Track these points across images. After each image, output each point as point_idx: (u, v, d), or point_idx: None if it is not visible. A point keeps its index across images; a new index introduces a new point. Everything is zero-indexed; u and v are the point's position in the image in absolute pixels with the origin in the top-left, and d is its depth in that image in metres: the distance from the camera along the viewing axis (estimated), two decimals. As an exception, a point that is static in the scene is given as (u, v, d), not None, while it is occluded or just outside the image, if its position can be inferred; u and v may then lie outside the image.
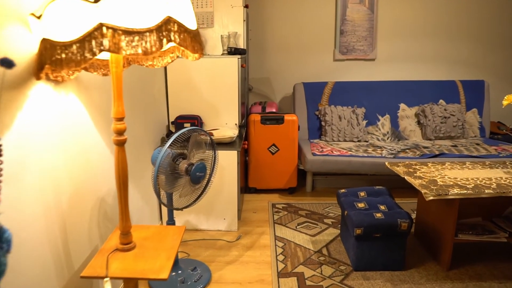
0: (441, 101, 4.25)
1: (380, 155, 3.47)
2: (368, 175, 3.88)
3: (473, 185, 2.32)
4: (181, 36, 1.26)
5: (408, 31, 4.39)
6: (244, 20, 3.42)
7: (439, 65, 4.51)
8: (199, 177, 1.97)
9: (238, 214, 2.93)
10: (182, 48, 1.38)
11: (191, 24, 1.35)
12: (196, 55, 1.48)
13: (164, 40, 1.21)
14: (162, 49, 1.29)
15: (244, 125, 3.56)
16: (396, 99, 4.24)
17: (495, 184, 2.33)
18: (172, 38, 1.23)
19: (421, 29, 4.40)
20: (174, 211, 2.80)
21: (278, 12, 4.31)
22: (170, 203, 2.08)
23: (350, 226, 2.32)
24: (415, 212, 3.25)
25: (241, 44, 3.44)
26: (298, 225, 2.99)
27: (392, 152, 3.56)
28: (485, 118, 4.28)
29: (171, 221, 2.17)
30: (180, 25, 1.26)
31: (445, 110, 4.11)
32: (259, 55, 4.39)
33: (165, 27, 1.21)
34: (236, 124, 3.09)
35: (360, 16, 4.32)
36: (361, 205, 2.46)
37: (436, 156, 3.48)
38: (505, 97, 2.61)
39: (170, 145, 1.92)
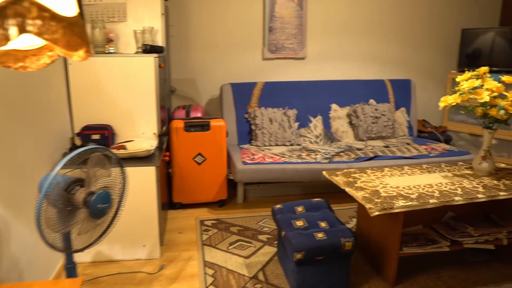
0: (371, 100, 4.15)
1: (314, 161, 3.24)
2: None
3: (416, 194, 2.13)
4: (45, 25, 0.84)
5: (338, 29, 4.23)
6: (162, 14, 2.98)
7: (369, 64, 4.41)
8: (101, 209, 1.53)
9: (160, 238, 2.51)
10: (50, 43, 0.95)
11: (66, 8, 0.93)
12: (80, 53, 1.06)
13: (13, 30, 0.78)
14: (12, 42, 0.86)
15: (165, 133, 3.13)
16: (327, 99, 4.05)
17: (437, 192, 2.17)
18: (28, 27, 0.81)
19: (351, 27, 4.26)
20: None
21: (202, 7, 3.91)
22: (67, 243, 1.61)
23: (289, 249, 2.01)
24: (355, 219, 3.05)
25: (159, 41, 3.00)
26: (230, 245, 2.64)
27: (326, 156, 3.35)
28: (412, 117, 4.25)
29: (70, 264, 1.70)
30: (42, 8, 0.83)
31: (376, 110, 4.00)
32: (182, 53, 3.96)
33: (13, 9, 0.78)
34: (154, 133, 2.65)
35: (289, 13, 4.07)
36: (299, 223, 2.16)
37: (371, 158, 3.32)
38: (441, 99, 2.47)
39: (63, 168, 1.47)
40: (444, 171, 2.56)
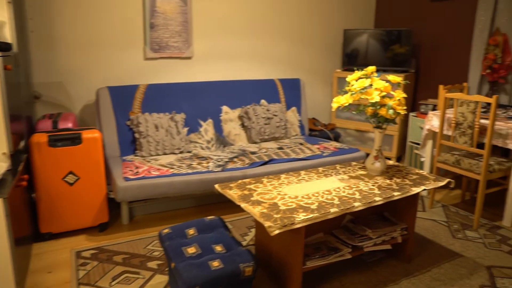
0: (262, 101, 3.99)
1: (206, 169, 2.94)
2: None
3: (316, 204, 1.97)
4: None
5: (226, 27, 3.99)
6: (8, 2, 2.40)
7: (258, 63, 4.25)
8: None
9: (19, 285, 1.98)
10: None
11: None
12: None
13: None
14: None
15: (25, 151, 2.55)
16: (217, 101, 3.79)
17: (337, 199, 2.03)
18: None
19: (239, 26, 4.05)
20: None
21: (65, -2, 3.33)
22: None
23: (180, 284, 1.69)
24: (254, 229, 2.84)
25: (8, 37, 2.41)
26: (114, 279, 2.21)
27: (219, 163, 3.08)
28: (303, 116, 4.21)
29: None
30: None
31: (267, 110, 3.85)
32: (48, 52, 3.33)
33: None
34: (4, 153, 2.09)
35: (172, 8, 3.70)
36: (191, 250, 1.85)
37: (266, 163, 3.14)
38: (334, 100, 2.37)
39: None
40: (340, 173, 2.47)
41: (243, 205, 1.95)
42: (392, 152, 4.24)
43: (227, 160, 3.18)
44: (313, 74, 4.60)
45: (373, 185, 2.26)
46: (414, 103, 4.56)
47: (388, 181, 2.34)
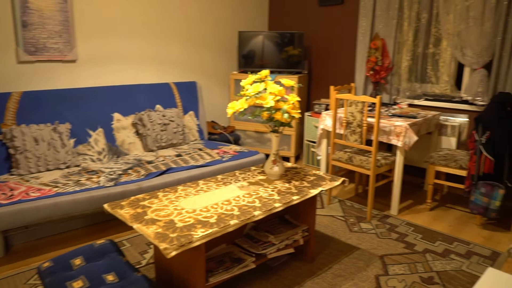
0: (158, 106, 3.78)
1: (97, 185, 2.67)
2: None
3: (216, 217, 1.87)
4: None
5: (114, 27, 3.68)
6: None
7: (152, 66, 4.02)
8: None
9: None
10: None
11: None
12: None
13: None
14: None
15: None
16: (108, 108, 3.48)
17: (237, 209, 1.96)
18: None
19: (129, 26, 3.76)
20: None
21: None
22: None
23: (64, 327, 1.46)
24: (153, 246, 2.64)
25: None
26: (-17, 327, 1.87)
27: (111, 177, 2.82)
28: (201, 120, 4.09)
29: None
30: None
31: (163, 116, 3.65)
32: None
33: None
34: None
35: (49, 5, 3.29)
36: (77, 284, 1.61)
37: (163, 172, 2.96)
38: (229, 105, 2.29)
39: None
40: (239, 180, 2.40)
41: (135, 226, 1.77)
42: (291, 151, 4.35)
43: (120, 172, 2.93)
44: (210, 77, 4.51)
45: (272, 191, 2.23)
46: (308, 103, 4.73)
47: (287, 184, 2.34)
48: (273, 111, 2.28)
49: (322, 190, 2.31)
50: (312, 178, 2.48)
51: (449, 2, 3.37)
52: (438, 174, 3.42)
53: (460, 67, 3.56)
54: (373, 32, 3.84)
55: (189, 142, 3.86)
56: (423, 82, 3.73)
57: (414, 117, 3.21)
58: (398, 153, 3.07)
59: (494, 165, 2.83)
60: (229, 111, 2.27)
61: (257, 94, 2.23)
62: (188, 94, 4.01)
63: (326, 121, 3.44)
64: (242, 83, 2.36)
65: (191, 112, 3.99)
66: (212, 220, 1.83)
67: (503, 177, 2.87)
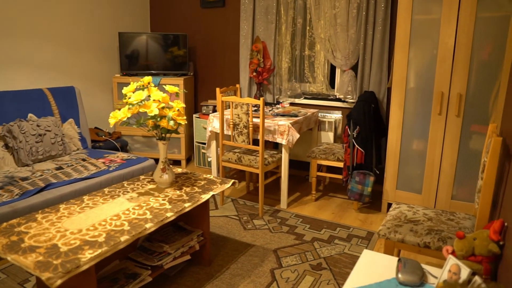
0: (30, 115, 3.41)
1: (-41, 212, 2.31)
2: None
3: (105, 235, 1.77)
4: None
5: (-37, 28, 3.20)
6: None
7: (20, 71, 3.60)
8: None
9: None
10: None
11: None
12: None
13: None
14: None
15: None
16: (-34, 121, 3.03)
17: (127, 224, 1.88)
18: None
19: (-18, 26, 3.31)
20: None
21: None
22: None
23: None
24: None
25: None
26: None
27: (-22, 200, 2.47)
28: (83, 128, 3.81)
29: None
30: None
31: (38, 126, 3.31)
32: None
33: None
34: None
35: None
36: None
37: (42, 189, 2.69)
38: (111, 115, 2.18)
39: None
40: (128, 192, 2.31)
41: (10, 257, 1.59)
42: (181, 154, 4.30)
43: (-12, 194, 2.58)
44: (90, 81, 4.21)
45: (163, 200, 2.19)
46: (196, 105, 4.73)
47: (178, 192, 2.32)
48: (159, 119, 2.23)
49: (213, 194, 2.34)
50: (203, 182, 2.49)
51: (319, 9, 3.67)
52: (320, 167, 3.72)
53: (333, 68, 3.91)
54: (254, 35, 3.99)
55: (70, 152, 3.57)
56: (302, 82, 4.01)
57: (296, 116, 3.44)
58: (283, 150, 3.26)
59: (364, 156, 3.18)
60: (111, 121, 2.16)
61: (140, 102, 2.16)
62: (65, 101, 3.69)
63: (214, 123, 3.48)
64: (124, 91, 2.26)
65: (70, 120, 3.69)
66: (101, 239, 1.73)
67: (372, 165, 3.25)
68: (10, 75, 3.51)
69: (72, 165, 3.22)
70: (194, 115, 4.31)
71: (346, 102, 3.75)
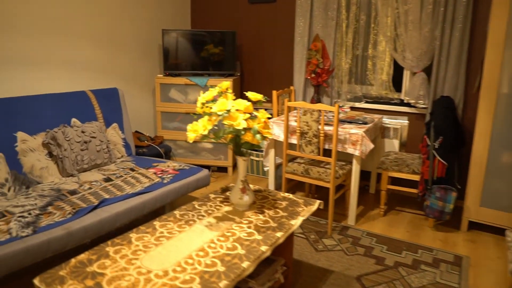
0: (74, 120, 3.07)
1: (9, 236, 1.97)
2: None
3: (198, 279, 1.41)
4: None
5: (8, 23, 2.85)
6: None
7: (61, 72, 3.25)
8: None
9: None
10: None
11: None
12: None
13: None
14: None
15: None
16: (7, 126, 2.69)
17: (219, 263, 1.52)
18: None
19: (30, 23, 2.96)
20: None
21: None
22: None
23: None
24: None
25: None
26: None
27: (27, 220, 2.13)
28: (127, 133, 3.46)
29: None
30: None
31: (82, 132, 2.97)
32: None
33: None
34: None
35: None
36: None
37: (96, 207, 2.35)
38: (189, 128, 1.82)
39: None
40: (203, 215, 1.95)
41: (94, 315, 1.24)
42: (229, 160, 3.94)
43: (37, 212, 2.24)
44: (129, 81, 3.86)
45: (248, 227, 1.83)
46: (240, 106, 4.35)
47: (261, 216, 1.96)
48: (242, 132, 1.87)
49: (302, 220, 1.97)
50: (284, 203, 2.13)
51: (387, 5, 3.26)
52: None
53: (396, 70, 3.51)
54: (312, 33, 3.60)
55: (115, 160, 3.22)
56: (363, 84, 3.61)
57: (365, 122, 3.05)
58: (354, 162, 2.88)
59: (446, 169, 2.79)
60: (191, 136, 1.80)
61: (225, 113, 1.80)
62: (109, 104, 3.34)
63: (273, 130, 3.11)
64: (201, 99, 1.90)
65: (114, 125, 3.34)
66: (196, 286, 1.38)
67: (454, 180, 2.86)
68: (50, 77, 3.17)
69: (121, 176, 2.87)
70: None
71: (415, 107, 3.35)
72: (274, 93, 3.21)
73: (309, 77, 3.55)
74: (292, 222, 1.92)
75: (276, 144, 3.19)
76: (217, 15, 4.29)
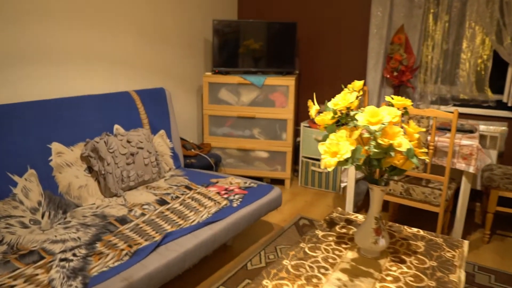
0: (117, 127, 2.49)
1: (53, 294, 1.40)
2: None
3: None
4: None
5: (38, 10, 2.27)
6: None
7: (99, 68, 2.67)
8: None
9: None
10: None
11: None
12: None
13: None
14: None
15: None
16: (40, 136, 2.12)
17: None
18: None
19: (61, 8, 2.37)
20: None
21: None
22: None
23: None
24: None
25: None
26: None
27: (72, 265, 1.56)
28: (175, 141, 2.87)
29: None
30: None
31: (128, 142, 2.39)
32: None
33: None
34: None
35: None
36: None
37: (158, 245, 1.76)
38: (323, 152, 1.23)
39: None
40: (326, 268, 1.37)
41: None
42: (287, 172, 3.34)
43: (84, 252, 1.67)
44: (174, 80, 3.27)
45: (394, 284, 1.25)
46: (298, 110, 3.75)
47: (404, 267, 1.37)
48: (391, 153, 1.27)
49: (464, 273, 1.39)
50: (420, 244, 1.54)
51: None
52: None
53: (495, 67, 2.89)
54: (392, 23, 2.99)
55: (164, 175, 2.64)
56: (452, 84, 3.00)
57: (471, 131, 2.45)
58: (465, 180, 2.28)
59: None
60: (329, 161, 1.20)
61: (382, 125, 1.20)
62: (155, 106, 2.76)
63: (357, 139, 2.52)
64: (333, 104, 1.31)
65: (161, 132, 2.76)
66: None
67: None
68: (86, 74, 2.58)
69: (178, 197, 2.28)
70: (302, 124, 3.35)
71: (522, 112, 2.75)
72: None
73: (388, 76, 2.94)
74: (452, 277, 1.33)
75: (357, 156, 2.61)
76: (269, 3, 3.68)
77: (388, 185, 1.38)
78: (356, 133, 1.26)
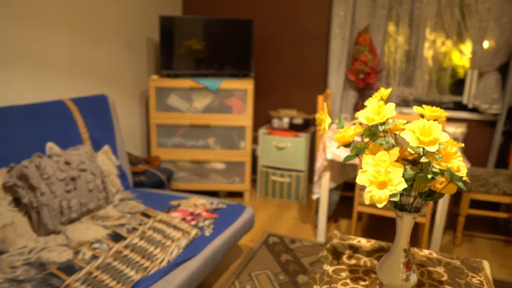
0: (50, 145, 1.98)
1: None
2: None
3: None
4: None
5: None
6: None
7: (22, 72, 2.12)
8: None
9: None
10: None
11: None
12: None
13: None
14: None
15: None
16: None
17: None
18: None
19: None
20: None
21: None
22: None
23: None
24: None
25: None
26: None
27: None
28: (122, 157, 2.41)
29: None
30: None
31: (67, 164, 1.90)
32: None
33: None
34: None
35: None
36: None
37: (124, 300, 1.36)
38: (368, 186, 0.95)
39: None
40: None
41: None
42: (245, 183, 3.03)
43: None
44: (114, 85, 2.78)
45: None
46: (255, 116, 3.44)
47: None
48: (437, 177, 1.04)
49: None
50: (440, 270, 1.35)
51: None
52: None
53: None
54: (354, 23, 2.83)
55: (112, 199, 2.18)
56: (410, 86, 2.92)
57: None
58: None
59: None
60: (379, 195, 0.93)
61: (439, 146, 0.95)
62: (97, 118, 2.27)
63: (332, 147, 2.30)
64: (365, 118, 1.04)
65: (105, 148, 2.28)
66: None
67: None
68: (6, 79, 2.03)
69: (135, 228, 1.86)
70: (260, 130, 3.06)
71: (483, 113, 2.76)
72: (320, 97, 2.41)
73: (353, 78, 2.78)
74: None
75: (332, 164, 2.39)
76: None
77: (419, 212, 1.16)
78: (395, 154, 1.00)
